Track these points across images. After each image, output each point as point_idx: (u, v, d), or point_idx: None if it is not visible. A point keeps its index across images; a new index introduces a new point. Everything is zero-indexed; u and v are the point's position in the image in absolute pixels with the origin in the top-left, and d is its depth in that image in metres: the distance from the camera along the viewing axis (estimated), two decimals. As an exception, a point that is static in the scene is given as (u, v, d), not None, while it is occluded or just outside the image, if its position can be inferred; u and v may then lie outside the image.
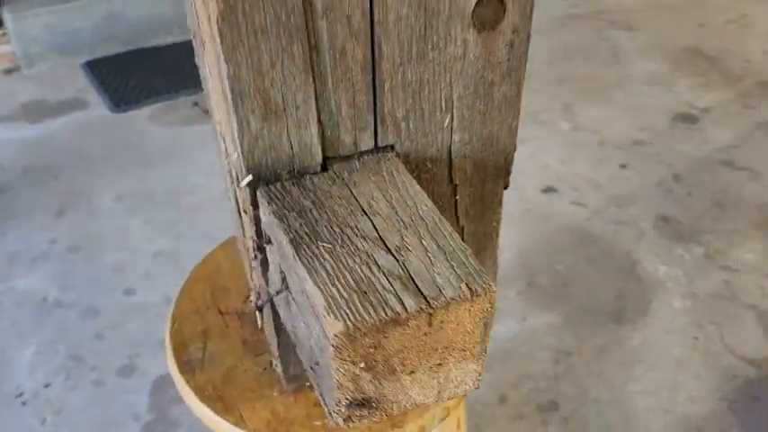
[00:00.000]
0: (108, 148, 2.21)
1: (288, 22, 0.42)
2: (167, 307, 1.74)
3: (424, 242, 0.44)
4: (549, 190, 2.05)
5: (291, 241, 0.44)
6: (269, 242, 0.48)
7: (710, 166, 2.09)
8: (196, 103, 0.64)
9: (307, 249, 0.43)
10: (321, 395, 0.46)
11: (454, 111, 0.51)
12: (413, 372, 0.44)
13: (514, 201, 2.00)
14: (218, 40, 0.41)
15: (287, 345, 0.60)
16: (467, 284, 0.41)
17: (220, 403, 0.63)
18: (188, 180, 2.05)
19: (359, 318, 0.39)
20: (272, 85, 0.44)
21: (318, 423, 0.62)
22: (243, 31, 0.41)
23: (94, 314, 1.64)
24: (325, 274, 0.42)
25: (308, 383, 0.65)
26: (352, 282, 0.41)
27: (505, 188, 0.59)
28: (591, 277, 1.71)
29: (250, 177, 0.48)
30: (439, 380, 0.45)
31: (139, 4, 2.74)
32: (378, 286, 0.41)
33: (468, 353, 0.44)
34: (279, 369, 0.64)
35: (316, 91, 0.45)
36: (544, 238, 1.86)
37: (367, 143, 0.50)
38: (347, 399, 0.43)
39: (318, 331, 0.42)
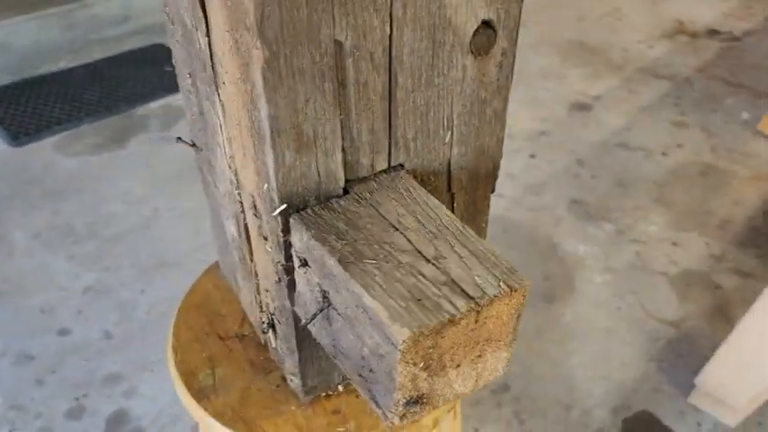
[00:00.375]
0: (13, 184, 2.10)
1: (321, 62, 0.46)
2: (108, 342, 1.68)
3: (456, 249, 0.49)
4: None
5: (339, 261, 0.47)
6: (304, 264, 0.52)
7: (608, 149, 2.28)
8: (179, 138, 0.65)
9: (356, 267, 0.47)
10: (374, 399, 0.50)
11: (454, 128, 0.56)
12: (458, 365, 0.49)
13: (438, 199, 2.09)
14: (259, 83, 0.45)
15: (307, 358, 0.63)
16: (505, 283, 0.47)
17: (242, 424, 0.65)
18: (104, 210, 1.99)
19: (421, 323, 0.44)
20: (305, 120, 0.48)
21: (341, 429, 0.66)
22: (283, 74, 0.44)
23: (29, 359, 1.57)
24: (379, 288, 0.46)
25: (323, 394, 0.68)
26: (405, 292, 0.46)
27: (492, 192, 0.65)
28: (518, 263, 1.82)
29: (284, 206, 0.51)
30: (477, 370, 0.51)
31: (25, 32, 2.61)
32: (429, 293, 0.46)
33: (502, 342, 0.50)
34: (295, 383, 0.67)
35: (341, 122, 0.49)
36: (471, 232, 1.96)
37: (381, 164, 0.54)
38: (405, 398, 0.47)
39: (378, 340, 0.46)
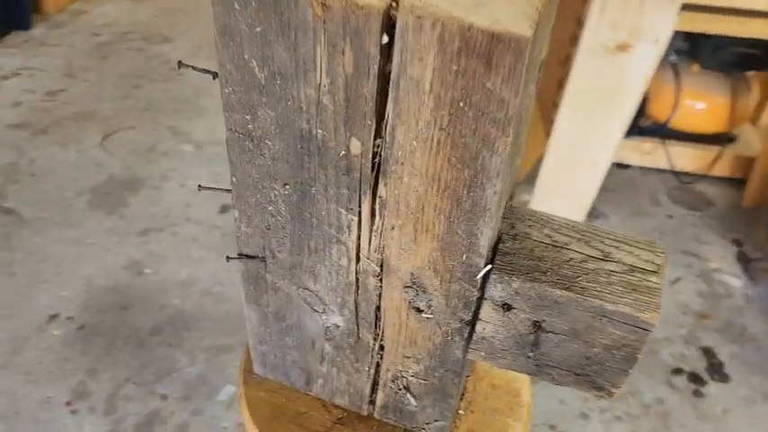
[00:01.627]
0: None
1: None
2: None
3: (607, 243, 0.61)
4: (224, 209, 2.13)
5: (566, 289, 0.55)
6: (507, 309, 0.58)
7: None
8: (239, 255, 0.55)
9: (577, 287, 0.56)
10: (596, 386, 0.60)
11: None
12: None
13: (207, 227, 2.04)
14: (495, 167, 0.49)
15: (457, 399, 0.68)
16: (659, 252, 0.61)
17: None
18: None
19: (652, 302, 0.55)
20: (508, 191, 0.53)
21: (487, 441, 0.72)
22: (512, 151, 0.50)
23: None
24: (608, 294, 0.56)
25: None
26: (621, 288, 0.56)
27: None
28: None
29: (489, 267, 0.56)
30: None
31: None
32: (633, 281, 0.57)
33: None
34: (437, 425, 0.71)
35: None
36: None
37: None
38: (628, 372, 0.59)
39: (623, 333, 0.56)
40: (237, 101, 0.54)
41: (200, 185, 0.64)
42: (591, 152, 1.80)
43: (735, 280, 2.09)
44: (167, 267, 1.93)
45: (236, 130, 0.56)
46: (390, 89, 0.48)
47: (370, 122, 0.50)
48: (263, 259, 0.64)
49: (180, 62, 0.57)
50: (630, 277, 0.58)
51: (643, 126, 2.39)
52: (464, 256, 0.55)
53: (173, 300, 1.84)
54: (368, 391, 0.71)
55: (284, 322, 0.70)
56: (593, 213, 2.27)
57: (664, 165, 2.45)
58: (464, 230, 0.54)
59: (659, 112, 2.35)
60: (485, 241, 0.54)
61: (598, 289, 0.56)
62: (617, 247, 0.61)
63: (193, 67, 0.56)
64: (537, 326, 0.58)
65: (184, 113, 2.59)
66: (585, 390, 0.61)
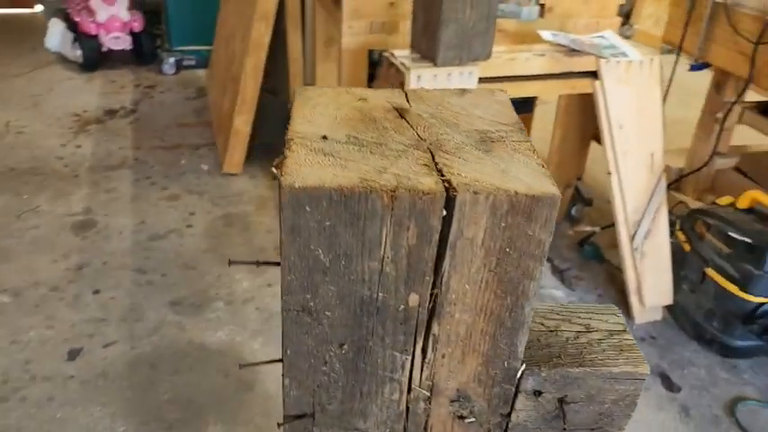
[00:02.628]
0: None
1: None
2: None
3: (593, 319, 0.76)
4: (73, 354, 1.97)
5: (578, 366, 0.69)
6: (538, 395, 0.69)
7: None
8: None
9: (584, 361, 0.69)
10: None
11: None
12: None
13: (59, 381, 1.89)
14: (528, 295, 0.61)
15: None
16: (620, 312, 0.77)
17: None
18: None
19: (640, 357, 0.71)
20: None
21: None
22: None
23: None
24: (610, 361, 0.70)
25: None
26: (612, 353, 0.71)
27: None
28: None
29: (524, 366, 0.67)
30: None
31: None
32: (623, 345, 0.72)
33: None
34: None
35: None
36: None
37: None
38: (630, 411, 0.74)
39: (625, 387, 0.70)
40: (299, 285, 0.59)
41: (230, 261, 0.64)
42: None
43: (558, 292, 2.43)
44: (30, 439, 1.73)
45: (294, 309, 0.61)
46: (448, 248, 0.58)
47: (428, 279, 0.59)
48: (312, 415, 0.68)
49: (230, 260, 0.60)
50: (614, 341, 0.73)
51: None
52: (505, 363, 0.66)
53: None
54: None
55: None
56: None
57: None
58: (506, 344, 0.64)
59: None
60: (522, 347, 0.65)
61: (600, 358, 0.70)
62: (590, 318, 0.76)
63: (244, 262, 0.59)
64: (560, 402, 0.71)
65: (-14, 260, 2.34)
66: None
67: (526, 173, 0.58)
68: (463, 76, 1.83)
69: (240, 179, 3.06)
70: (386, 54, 1.94)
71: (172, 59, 4.36)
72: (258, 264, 0.61)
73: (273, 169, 0.56)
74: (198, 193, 2.94)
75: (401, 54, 1.90)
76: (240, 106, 2.97)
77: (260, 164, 3.18)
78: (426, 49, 1.85)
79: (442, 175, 0.57)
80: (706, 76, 2.54)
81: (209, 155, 3.26)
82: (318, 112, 0.66)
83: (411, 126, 0.65)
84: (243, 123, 3.00)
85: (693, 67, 2.47)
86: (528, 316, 0.63)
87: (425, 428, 0.71)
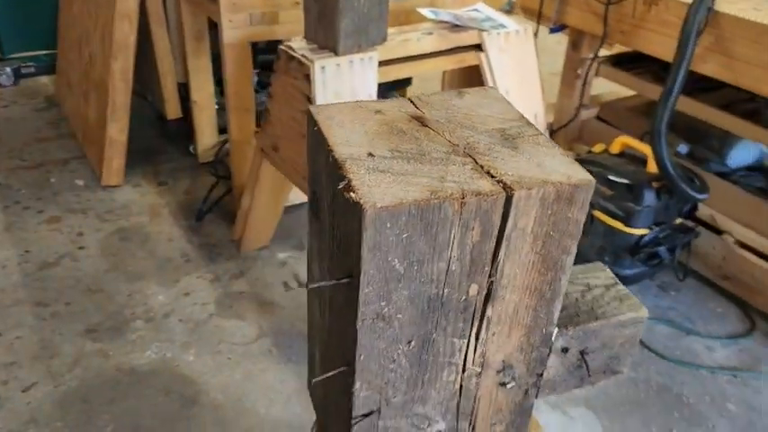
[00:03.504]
0: None
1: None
2: None
3: (589, 278, 0.86)
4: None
5: (596, 319, 0.79)
6: (566, 351, 0.79)
7: None
8: None
9: (601, 315, 0.80)
10: (615, 373, 0.85)
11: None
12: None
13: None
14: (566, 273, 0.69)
15: None
16: (608, 267, 0.88)
17: None
18: None
19: (638, 303, 0.83)
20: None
21: None
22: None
23: None
24: (616, 310, 0.81)
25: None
26: (616, 303, 0.82)
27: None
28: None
29: (557, 328, 0.76)
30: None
31: None
32: (621, 296, 0.84)
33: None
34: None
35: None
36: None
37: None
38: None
39: (630, 331, 0.82)
40: (375, 294, 0.64)
41: (308, 285, 0.67)
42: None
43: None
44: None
45: (369, 318, 0.65)
46: (504, 240, 0.65)
47: (486, 269, 0.66)
48: (379, 410, 0.73)
49: (308, 285, 0.63)
50: (612, 293, 0.84)
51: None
52: (543, 330, 0.75)
53: None
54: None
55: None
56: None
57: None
58: (545, 313, 0.73)
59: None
60: (557, 313, 0.74)
61: (609, 310, 0.81)
62: (587, 278, 0.87)
63: (324, 285, 0.62)
64: (582, 353, 0.81)
65: None
66: (609, 377, 0.86)
67: (558, 163, 0.66)
68: (364, 62, 1.88)
69: (124, 190, 2.91)
70: (282, 47, 1.94)
71: (8, 69, 3.98)
72: (337, 281, 0.64)
73: (345, 193, 0.60)
74: (81, 212, 2.76)
75: (299, 46, 1.91)
76: (112, 114, 2.81)
77: (141, 171, 3.04)
78: (324, 39, 1.87)
79: (492, 176, 0.64)
80: (564, 38, 2.78)
81: (82, 168, 3.06)
82: (348, 129, 0.70)
83: (438, 133, 0.71)
84: (118, 131, 2.84)
85: (552, 30, 2.70)
86: (564, 286, 0.72)
87: (474, 401, 0.78)
